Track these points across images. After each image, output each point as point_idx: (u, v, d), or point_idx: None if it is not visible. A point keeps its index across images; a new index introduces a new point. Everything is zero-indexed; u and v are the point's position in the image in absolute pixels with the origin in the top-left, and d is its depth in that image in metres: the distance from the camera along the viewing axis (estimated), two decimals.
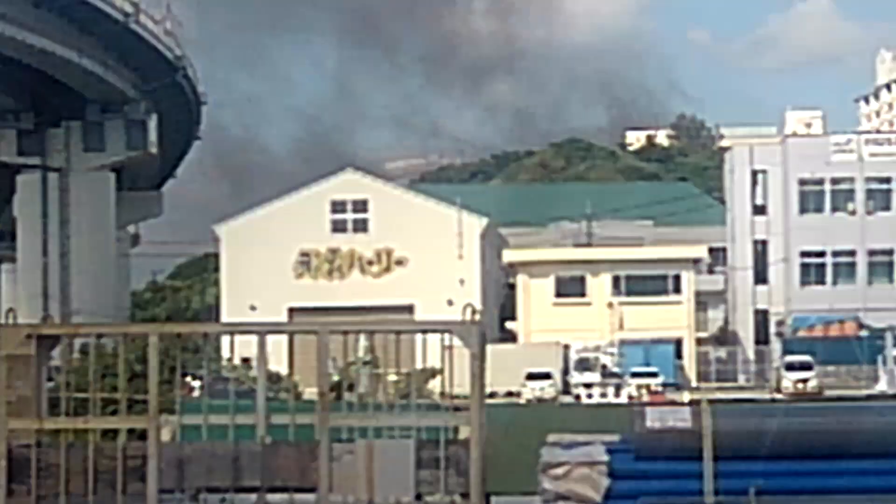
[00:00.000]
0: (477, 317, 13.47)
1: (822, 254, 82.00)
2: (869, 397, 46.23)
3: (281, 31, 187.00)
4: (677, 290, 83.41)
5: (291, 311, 72.50)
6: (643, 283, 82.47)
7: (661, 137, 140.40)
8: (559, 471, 12.90)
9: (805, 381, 66.68)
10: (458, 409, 13.90)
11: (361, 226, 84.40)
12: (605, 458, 12.95)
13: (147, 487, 12.81)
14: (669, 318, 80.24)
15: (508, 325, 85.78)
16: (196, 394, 22.76)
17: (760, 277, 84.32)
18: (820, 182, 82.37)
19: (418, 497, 13.16)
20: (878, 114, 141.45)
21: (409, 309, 71.92)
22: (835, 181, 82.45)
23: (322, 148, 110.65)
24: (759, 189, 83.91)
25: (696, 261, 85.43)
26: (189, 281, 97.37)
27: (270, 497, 13.32)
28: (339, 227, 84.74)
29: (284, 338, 14.56)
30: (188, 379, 23.91)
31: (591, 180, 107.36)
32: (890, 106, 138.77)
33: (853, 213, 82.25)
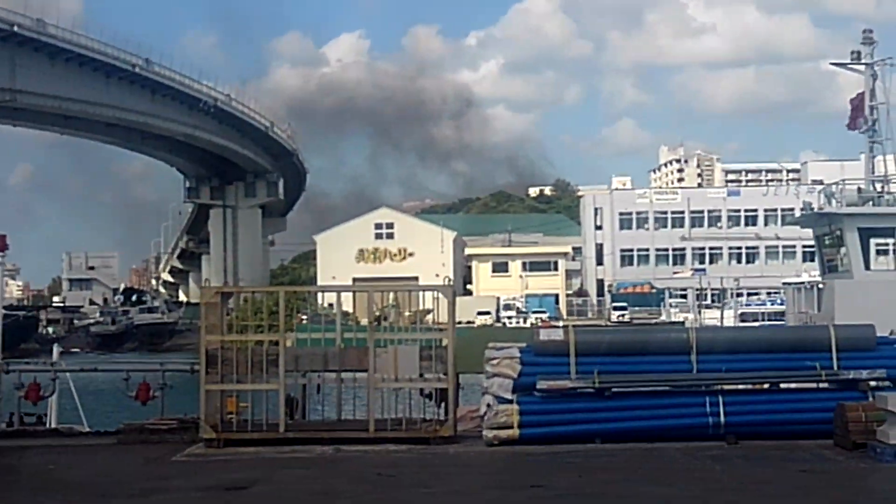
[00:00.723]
0: (450, 283, 20.37)
1: (631, 250, 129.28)
2: (655, 323, 63.34)
3: (342, 133, 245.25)
4: (556, 269, 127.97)
5: (354, 280, 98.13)
6: (538, 265, 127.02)
7: (547, 191, 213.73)
8: (494, 361, 18.58)
9: (623, 315, 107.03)
10: (441, 330, 19.69)
11: (390, 236, 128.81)
12: (518, 355, 18.65)
13: (279, 370, 18.50)
14: (552, 284, 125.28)
15: (468, 287, 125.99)
16: (304, 322, 26.55)
17: (599, 262, 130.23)
18: (630, 214, 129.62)
19: (421, 375, 18.85)
20: (660, 178, 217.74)
21: (416, 279, 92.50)
22: (638, 213, 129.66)
23: (362, 197, 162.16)
24: (598, 217, 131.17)
25: (566, 254, 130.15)
26: (300, 264, 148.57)
27: (344, 375, 19.58)
28: (378, 236, 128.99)
29: (350, 294, 21.97)
30: (300, 315, 27.77)
31: (511, 213, 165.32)
32: (667, 175, 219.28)
33: (647, 229, 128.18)
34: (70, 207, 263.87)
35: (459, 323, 21.18)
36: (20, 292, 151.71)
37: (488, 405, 18.30)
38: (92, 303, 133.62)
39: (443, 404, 18.75)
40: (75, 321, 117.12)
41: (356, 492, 14.11)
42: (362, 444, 17.87)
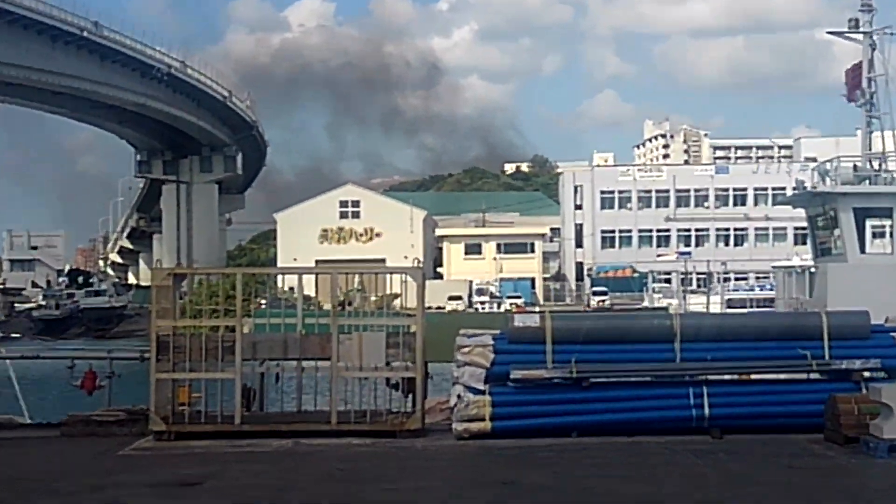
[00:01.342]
0: (420, 265, 21.07)
1: (612, 231, 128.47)
2: (637, 309, 63.96)
3: (300, 104, 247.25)
4: (532, 250, 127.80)
5: (317, 262, 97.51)
6: (514, 247, 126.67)
7: (524, 167, 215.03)
8: (465, 349, 18.48)
9: (603, 301, 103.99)
10: (409, 315, 19.86)
11: (356, 215, 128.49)
12: (491, 342, 18.60)
13: (235, 358, 18.39)
14: (528, 267, 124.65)
15: (439, 270, 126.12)
16: (263, 307, 25.98)
17: (578, 244, 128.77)
18: (611, 192, 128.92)
19: (387, 364, 18.89)
20: (645, 154, 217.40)
21: (383, 261, 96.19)
22: (620, 192, 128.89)
23: (322, 173, 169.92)
24: (578, 196, 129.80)
25: (543, 235, 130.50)
26: (259, 245, 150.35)
27: (305, 363, 19.30)
28: (343, 215, 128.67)
29: (313, 277, 21.95)
30: (259, 299, 28.10)
31: (485, 191, 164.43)
32: (652, 151, 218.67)
33: (630, 209, 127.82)
34: (10, 183, 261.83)
35: (429, 308, 21.28)
36: None
37: (459, 396, 18.28)
38: (35, 285, 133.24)
39: (410, 395, 18.75)
40: (16, 305, 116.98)
41: (315, 488, 14.14)
42: (324, 438, 17.86)
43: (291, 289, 24.25)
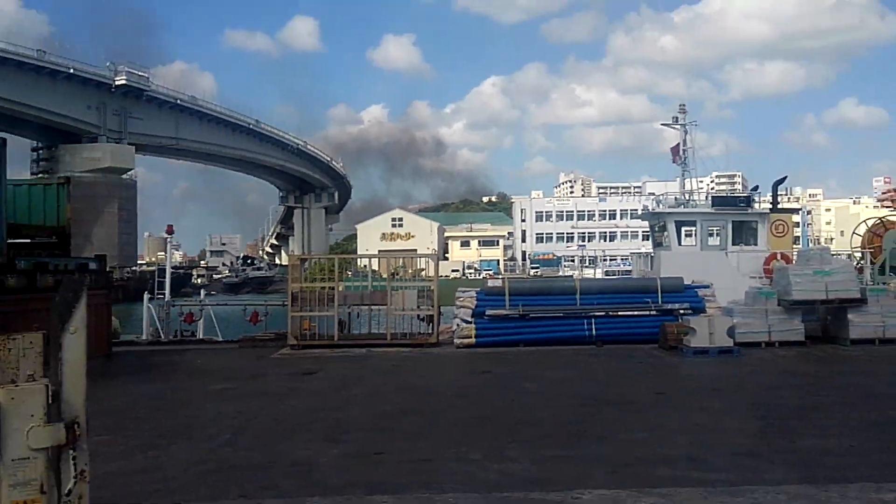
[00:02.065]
0: (434, 253, 20.84)
1: (542, 234, 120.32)
2: (555, 277, 61.59)
3: (366, 164, 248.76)
4: (498, 245, 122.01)
5: (379, 251, 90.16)
6: (488, 243, 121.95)
7: (494, 198, 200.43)
8: (461, 299, 18.60)
9: (537, 272, 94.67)
10: (429, 280, 19.66)
11: (400, 225, 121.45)
12: (475, 295, 18.67)
13: (334, 304, 18.37)
14: (495, 254, 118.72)
15: (446, 256, 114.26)
16: (349, 276, 25.69)
17: (523, 241, 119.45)
18: (542, 212, 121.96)
19: (418, 307, 18.94)
20: (560, 191, 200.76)
21: (415, 251, 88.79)
22: (546, 212, 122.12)
23: (377, 202, 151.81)
24: (522, 214, 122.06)
25: (504, 236, 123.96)
26: (348, 242, 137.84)
27: (372, 307, 19.39)
28: (393, 225, 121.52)
29: (377, 260, 22.38)
30: (347, 272, 26.22)
31: (471, 212, 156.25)
32: (563, 189, 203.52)
33: (552, 222, 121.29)
34: (210, 208, 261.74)
35: (440, 277, 21.16)
36: (181, 258, 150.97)
37: (457, 324, 18.33)
38: (223, 265, 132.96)
39: (431, 324, 18.72)
40: (213, 276, 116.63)
41: (379, 376, 14.16)
42: (383, 347, 17.84)
43: (365, 266, 24.20)
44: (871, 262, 27.14)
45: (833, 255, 23.65)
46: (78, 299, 2.07)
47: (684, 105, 30.86)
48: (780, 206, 28.76)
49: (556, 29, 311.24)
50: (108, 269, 18.40)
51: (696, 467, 7.21)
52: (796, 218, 35.55)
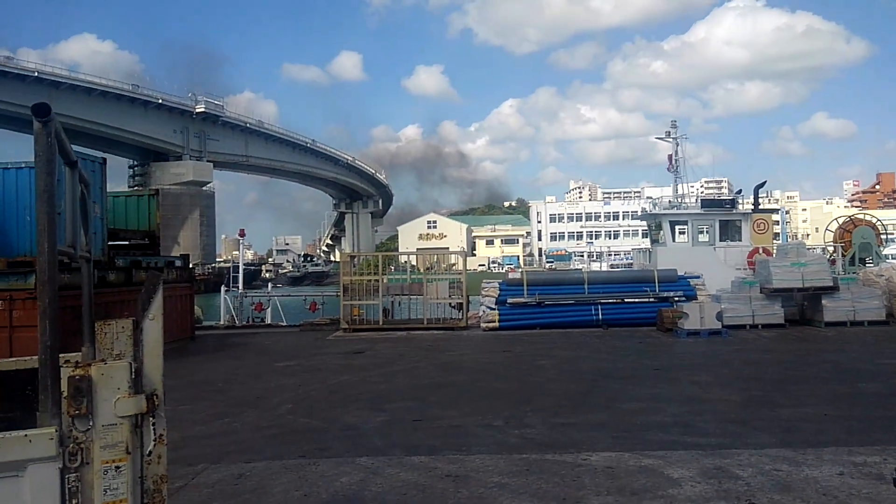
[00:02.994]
0: (464, 251, 20.78)
1: (556, 233, 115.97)
2: (567, 270, 59.62)
3: (404, 174, 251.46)
4: (518, 243, 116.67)
5: (417, 249, 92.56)
6: (509, 241, 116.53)
7: (514, 203, 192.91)
8: (486, 289, 18.55)
9: (551, 265, 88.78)
10: (459, 273, 19.81)
11: (434, 227, 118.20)
12: (498, 285, 18.66)
13: (379, 294, 18.38)
14: (515, 251, 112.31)
15: (474, 252, 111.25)
16: (393, 270, 26.05)
17: (539, 239, 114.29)
18: (555, 214, 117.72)
19: (450, 296, 18.68)
20: (570, 196, 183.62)
21: (447, 249, 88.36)
22: (559, 215, 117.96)
23: (413, 208, 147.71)
24: (538, 217, 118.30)
25: (523, 235, 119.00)
26: (391, 241, 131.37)
27: (412, 296, 19.38)
28: (429, 227, 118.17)
29: (415, 256, 22.15)
30: (391, 266, 26.76)
31: (495, 215, 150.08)
32: (573, 195, 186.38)
33: (564, 222, 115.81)
34: (276, 214, 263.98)
35: (469, 270, 21.06)
36: (252, 257, 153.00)
37: (483, 311, 18.21)
38: (287, 262, 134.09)
39: (461, 310, 18.62)
40: (279, 271, 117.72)
41: (418, 353, 14.09)
42: (421, 331, 17.80)
43: (405, 262, 24.03)
44: (843, 255, 26.54)
45: (808, 249, 23.17)
46: (155, 291, 2.09)
47: (675, 121, 30.50)
48: (761, 206, 28.15)
49: (562, 58, 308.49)
50: (190, 266, 18.60)
51: (689, 433, 7.08)
52: (776, 217, 34.80)
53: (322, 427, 7.80)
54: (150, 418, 2.03)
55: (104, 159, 13.15)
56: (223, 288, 23.71)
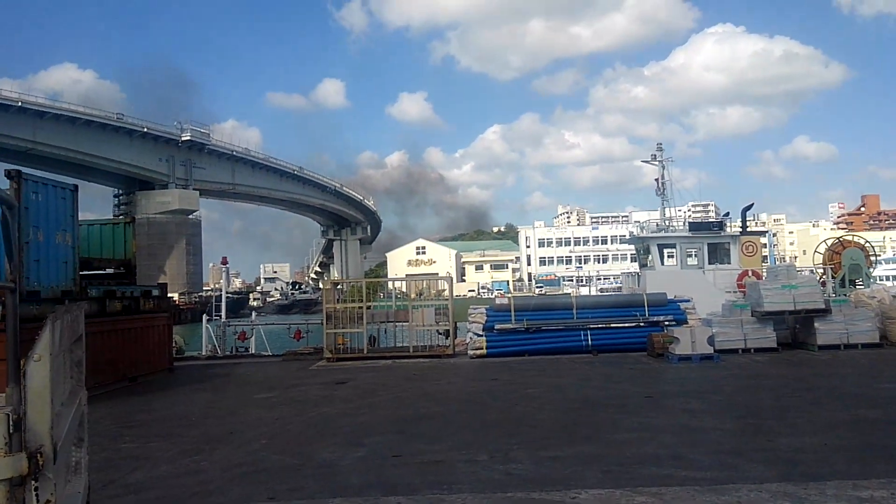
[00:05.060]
0: (451, 277, 20.40)
1: (544, 258, 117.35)
2: (556, 295, 58.93)
3: (389, 201, 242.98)
4: (507, 268, 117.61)
5: (406, 275, 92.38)
6: (498, 266, 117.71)
7: (502, 228, 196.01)
8: (473, 315, 18.19)
9: (540, 290, 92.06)
10: (447, 300, 19.02)
11: (423, 252, 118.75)
12: (485, 311, 18.21)
13: (364, 321, 18.03)
14: (505, 276, 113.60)
15: (463, 278, 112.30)
16: (381, 297, 26.14)
17: (528, 264, 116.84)
18: (544, 239, 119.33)
19: (436, 322, 18.25)
20: (558, 221, 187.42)
21: (436, 275, 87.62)
22: (547, 239, 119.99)
23: (402, 236, 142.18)
24: (527, 241, 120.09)
25: (512, 260, 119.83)
26: (379, 268, 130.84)
27: (397, 323, 18.96)
28: (417, 253, 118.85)
29: (404, 283, 21.92)
30: (379, 293, 27.17)
31: (483, 240, 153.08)
32: (561, 219, 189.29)
33: (552, 247, 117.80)
34: (260, 242, 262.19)
35: (456, 296, 20.72)
36: (240, 285, 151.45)
37: (470, 337, 17.89)
38: (275, 290, 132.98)
39: (448, 337, 18.28)
40: (267, 299, 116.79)
41: (402, 382, 13.71)
42: (406, 359, 17.43)
43: (394, 288, 23.65)
44: (833, 277, 26.43)
45: (798, 271, 23.02)
46: (45, 326, 1.73)
47: (661, 144, 30.45)
48: (748, 229, 28.06)
49: (544, 84, 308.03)
50: (168, 295, 18.14)
51: (683, 466, 6.72)
52: (763, 239, 34.78)
53: (296, 464, 7.37)
54: (33, 482, 1.67)
55: (75, 186, 12.77)
56: (204, 317, 23.17)
